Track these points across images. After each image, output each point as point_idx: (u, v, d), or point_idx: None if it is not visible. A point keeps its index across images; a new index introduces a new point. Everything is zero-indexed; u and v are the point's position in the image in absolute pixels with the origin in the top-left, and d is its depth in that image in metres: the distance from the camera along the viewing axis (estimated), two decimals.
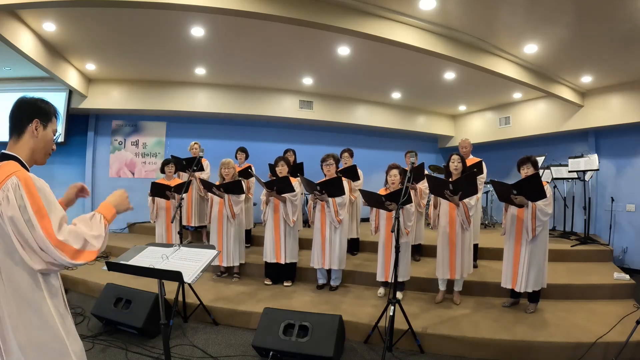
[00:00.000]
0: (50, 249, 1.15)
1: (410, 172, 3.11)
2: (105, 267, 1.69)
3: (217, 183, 4.31)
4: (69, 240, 1.18)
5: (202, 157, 4.30)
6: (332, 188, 3.94)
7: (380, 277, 3.79)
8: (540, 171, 5.29)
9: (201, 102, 6.67)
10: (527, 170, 3.40)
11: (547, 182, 3.46)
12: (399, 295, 3.62)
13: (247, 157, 5.60)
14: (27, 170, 1.27)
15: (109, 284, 3.55)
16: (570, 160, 5.71)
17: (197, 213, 5.52)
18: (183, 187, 4.03)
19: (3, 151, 1.32)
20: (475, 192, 3.48)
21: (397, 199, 3.40)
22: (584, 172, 5.68)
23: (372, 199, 3.67)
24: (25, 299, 1.17)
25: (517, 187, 3.26)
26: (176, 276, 1.67)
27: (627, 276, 4.01)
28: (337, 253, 4.00)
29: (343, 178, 4.11)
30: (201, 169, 5.40)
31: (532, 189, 3.24)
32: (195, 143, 5.48)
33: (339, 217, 3.96)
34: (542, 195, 3.23)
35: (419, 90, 6.82)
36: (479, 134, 7.89)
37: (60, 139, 6.28)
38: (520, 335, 2.99)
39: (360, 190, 4.08)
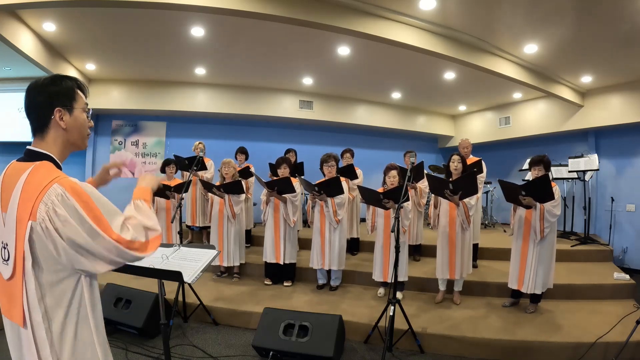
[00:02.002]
0: (123, 251, 1.05)
1: (410, 172, 3.11)
2: None
3: (217, 183, 4.31)
4: (136, 236, 1.09)
5: (202, 156, 4.30)
6: (331, 188, 3.94)
7: (378, 277, 3.79)
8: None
9: (201, 102, 6.67)
10: (537, 172, 3.36)
11: (555, 184, 3.44)
12: (399, 295, 3.61)
13: (247, 158, 5.59)
14: (61, 169, 1.11)
15: (109, 284, 3.55)
16: (570, 160, 5.70)
17: (201, 213, 5.52)
18: (183, 187, 4.03)
19: (30, 147, 1.11)
20: (475, 191, 3.47)
21: (395, 197, 3.40)
22: (584, 172, 5.68)
23: (369, 196, 3.66)
24: (66, 326, 1.04)
25: (526, 188, 3.24)
26: (176, 276, 1.67)
27: (627, 276, 4.01)
28: (336, 253, 4.00)
29: (341, 178, 4.11)
30: (203, 168, 5.41)
31: (540, 190, 3.21)
32: (199, 143, 5.46)
33: (337, 217, 3.96)
34: (550, 196, 3.21)
35: (419, 90, 6.82)
36: (479, 134, 7.89)
37: None
38: (520, 335, 2.99)
39: (358, 186, 4.07)
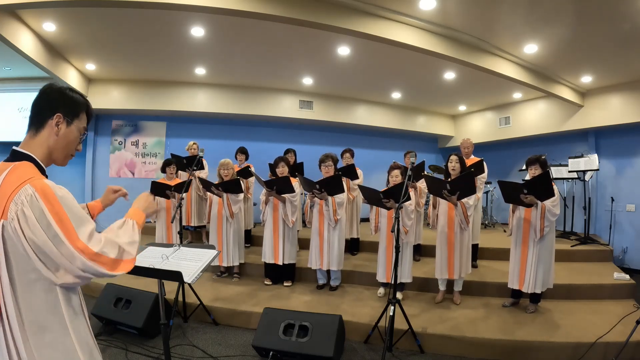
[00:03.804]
0: (87, 264, 1.01)
1: (410, 171, 3.10)
2: None
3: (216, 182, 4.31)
4: (105, 250, 1.04)
5: (202, 156, 4.30)
6: (332, 186, 3.94)
7: (381, 278, 3.78)
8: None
9: (201, 102, 6.68)
10: (534, 171, 3.36)
11: (554, 183, 3.44)
12: (399, 295, 3.61)
13: (247, 158, 5.59)
14: (44, 171, 1.11)
15: (109, 284, 3.55)
16: (570, 160, 5.71)
17: (197, 213, 5.52)
18: (183, 187, 4.03)
19: (15, 148, 1.12)
20: (473, 192, 3.47)
21: (394, 196, 3.39)
22: (584, 172, 5.68)
23: (371, 196, 3.66)
24: (42, 325, 1.02)
25: (527, 186, 3.24)
26: (176, 276, 1.67)
27: (627, 276, 4.02)
28: (335, 254, 4.00)
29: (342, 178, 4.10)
30: (201, 167, 5.41)
31: (541, 188, 3.22)
32: (193, 143, 5.48)
33: (336, 215, 3.95)
34: (550, 194, 3.21)
35: (419, 90, 6.82)
36: (479, 134, 7.89)
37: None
38: (520, 335, 2.99)
39: (359, 186, 4.08)
